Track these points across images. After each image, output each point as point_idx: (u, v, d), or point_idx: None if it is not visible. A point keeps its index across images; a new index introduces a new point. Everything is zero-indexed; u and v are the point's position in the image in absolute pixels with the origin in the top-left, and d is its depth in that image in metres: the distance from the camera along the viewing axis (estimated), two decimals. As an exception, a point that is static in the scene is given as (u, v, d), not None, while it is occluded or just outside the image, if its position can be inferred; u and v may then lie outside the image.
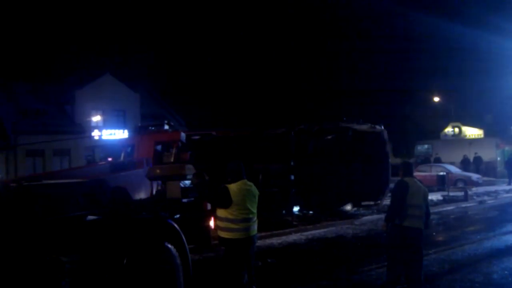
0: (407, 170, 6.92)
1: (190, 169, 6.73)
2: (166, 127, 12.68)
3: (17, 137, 31.68)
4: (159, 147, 10.86)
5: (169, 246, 5.55)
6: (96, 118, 35.61)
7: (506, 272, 8.37)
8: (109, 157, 18.55)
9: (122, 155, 11.97)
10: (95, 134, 34.33)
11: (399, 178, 6.98)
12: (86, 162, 32.60)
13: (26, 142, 30.33)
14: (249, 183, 5.93)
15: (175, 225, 5.64)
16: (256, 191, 5.94)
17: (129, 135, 26.67)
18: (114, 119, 36.46)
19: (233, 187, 5.75)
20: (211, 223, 6.57)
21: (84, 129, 34.31)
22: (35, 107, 34.11)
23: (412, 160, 31.99)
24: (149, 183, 7.04)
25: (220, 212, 5.78)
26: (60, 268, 4.13)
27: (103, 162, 13.28)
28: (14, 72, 35.72)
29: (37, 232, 4.38)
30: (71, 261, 4.22)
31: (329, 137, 15.06)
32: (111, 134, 34.46)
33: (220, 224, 5.79)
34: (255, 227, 5.86)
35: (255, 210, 5.84)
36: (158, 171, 6.71)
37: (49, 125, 33.10)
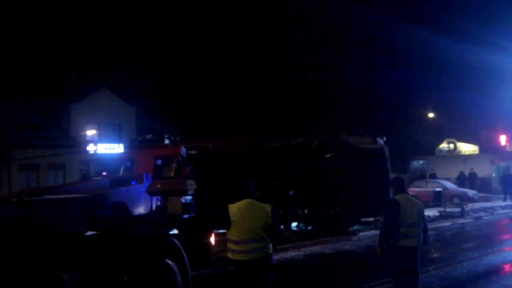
0: (399, 186, 6.61)
1: (191, 184, 6.65)
2: (167, 141, 12.58)
3: (11, 151, 31.46)
4: (159, 162, 10.77)
5: (170, 262, 5.48)
6: (91, 132, 35.50)
7: (506, 289, 8.34)
8: (104, 171, 18.43)
9: (122, 169, 11.87)
10: (91, 148, 34.18)
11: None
12: (80, 176, 32.38)
13: (20, 156, 30.13)
14: (255, 202, 5.65)
15: (176, 241, 5.56)
16: (264, 211, 5.61)
17: (124, 149, 26.58)
18: (109, 133, 36.36)
19: (233, 206, 5.53)
20: (212, 239, 6.49)
21: (79, 143, 34.18)
22: (30, 121, 33.95)
23: (407, 176, 32.01)
24: (149, 198, 6.97)
25: (226, 233, 5.63)
26: (61, 286, 4.06)
27: (98, 177, 13.16)
28: (9, 85, 35.58)
29: (38, 248, 4.30)
30: (72, 278, 4.14)
31: (328, 155, 14.97)
32: (106, 148, 34.33)
33: (227, 244, 5.61)
34: (262, 249, 5.48)
35: (260, 231, 5.49)
36: (158, 186, 6.65)
37: (44, 139, 32.92)
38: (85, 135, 35.16)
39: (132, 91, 41.00)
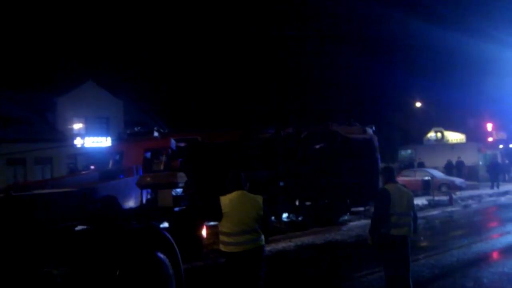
0: (389, 176, 6.64)
1: (182, 177, 6.59)
2: (156, 134, 12.44)
3: (-3, 146, 31.05)
4: (148, 155, 10.66)
5: (161, 255, 5.44)
6: (78, 126, 35.14)
7: (495, 276, 8.43)
8: (92, 165, 18.29)
9: (110, 162, 11.73)
10: (78, 142, 33.85)
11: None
12: (68, 170, 32.11)
13: (6, 151, 29.75)
14: (247, 194, 5.64)
15: (167, 235, 5.51)
16: (255, 202, 5.61)
17: (112, 142, 26.36)
18: (97, 127, 36.03)
19: (224, 198, 5.52)
20: (203, 232, 6.46)
21: (66, 137, 33.84)
22: (16, 115, 33.52)
23: (396, 165, 32.18)
24: (139, 192, 6.91)
25: (218, 225, 5.61)
26: (51, 281, 3.99)
27: (86, 171, 13.02)
28: (-7, 78, 35.14)
29: (27, 244, 4.23)
30: (63, 274, 4.07)
31: (318, 146, 14.95)
32: (94, 142, 34.03)
33: (219, 236, 5.59)
34: (254, 240, 5.48)
35: (252, 223, 5.48)
36: (149, 179, 6.58)
37: (30, 133, 32.55)
38: (72, 129, 34.80)
39: (119, 84, 40.75)
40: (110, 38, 58.64)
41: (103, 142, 33.26)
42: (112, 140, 26.50)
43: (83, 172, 12.44)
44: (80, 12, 61.58)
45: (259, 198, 5.72)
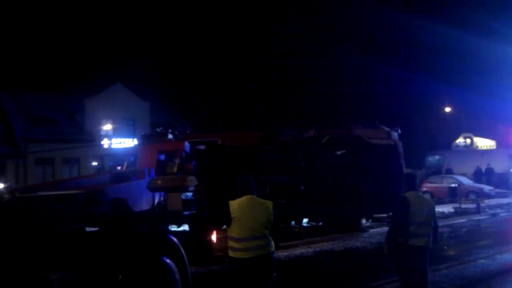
0: (410, 183, 6.37)
1: (192, 180, 6.51)
2: (170, 136, 12.40)
3: (26, 145, 31.70)
4: (162, 157, 10.61)
5: (168, 261, 5.35)
6: (106, 127, 35.63)
7: (521, 289, 8.08)
8: (118, 166, 18.51)
9: (125, 164, 11.73)
10: (105, 142, 34.33)
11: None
12: (95, 170, 32.59)
13: (35, 150, 30.41)
14: (257, 199, 5.52)
15: (174, 240, 5.42)
16: (265, 208, 5.47)
17: (138, 142, 26.55)
18: (124, 128, 36.48)
19: (233, 203, 5.39)
20: (213, 236, 6.35)
21: (93, 138, 34.38)
22: (45, 116, 34.24)
23: (422, 171, 31.52)
24: (151, 195, 6.85)
25: (227, 230, 5.49)
26: (48, 285, 3.94)
27: (107, 172, 13.04)
28: (24, 81, 36.00)
29: (26, 246, 4.18)
30: (61, 278, 4.01)
31: (339, 153, 14.62)
32: (120, 143, 34.42)
33: (228, 242, 5.47)
34: (263, 246, 5.35)
35: (261, 228, 5.35)
36: (159, 182, 6.52)
37: (59, 134, 33.22)
38: (100, 130, 35.31)
39: (146, 86, 41.15)
40: (137, 41, 59.44)
41: (124, 143, 33.54)
42: (138, 141, 26.71)
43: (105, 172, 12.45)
44: (107, 16, 62.66)
45: (269, 204, 5.59)
